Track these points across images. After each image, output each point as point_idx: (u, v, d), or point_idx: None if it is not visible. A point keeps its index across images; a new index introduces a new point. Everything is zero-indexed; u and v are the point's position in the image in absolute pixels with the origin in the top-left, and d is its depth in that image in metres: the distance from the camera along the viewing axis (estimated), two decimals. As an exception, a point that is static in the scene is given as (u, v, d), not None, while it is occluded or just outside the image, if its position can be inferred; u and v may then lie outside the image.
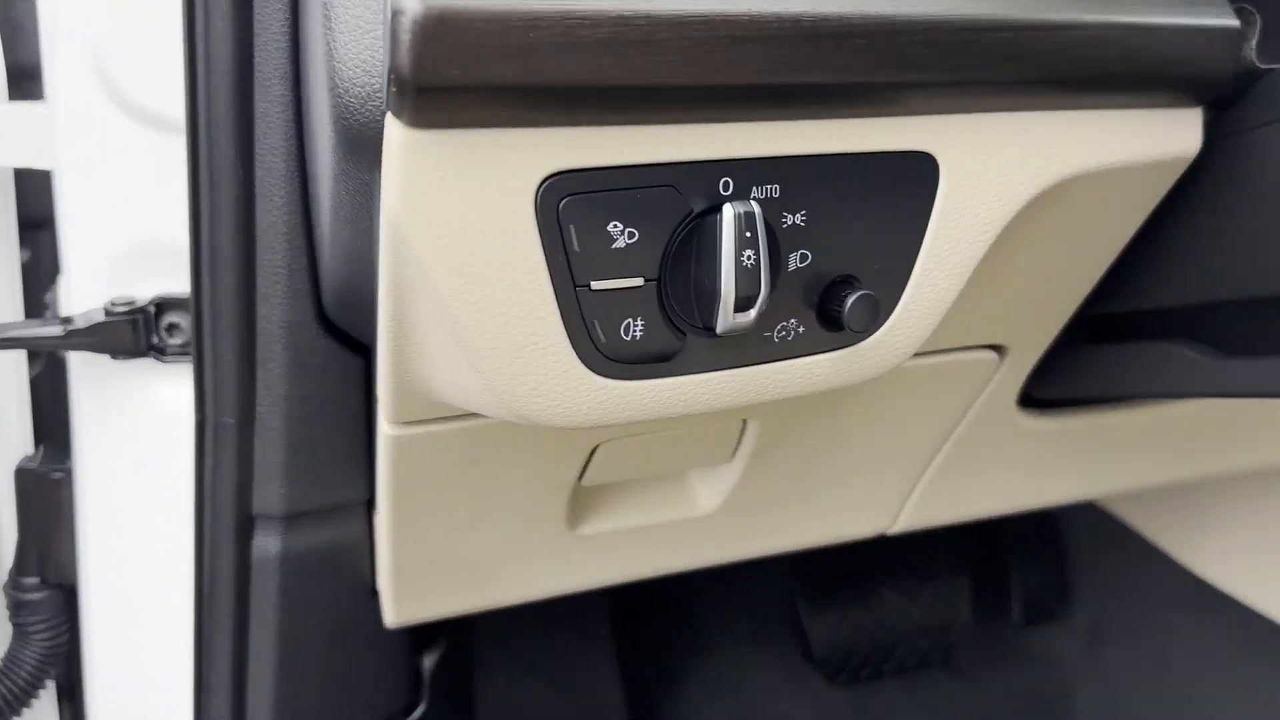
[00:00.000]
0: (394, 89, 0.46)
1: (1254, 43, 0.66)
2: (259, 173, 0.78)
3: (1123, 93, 0.63)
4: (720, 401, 0.60)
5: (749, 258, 0.53)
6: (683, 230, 0.54)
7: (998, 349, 0.84)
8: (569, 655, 1.43)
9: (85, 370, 0.95)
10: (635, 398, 0.57)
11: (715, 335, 0.56)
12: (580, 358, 0.55)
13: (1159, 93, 0.64)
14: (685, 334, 0.56)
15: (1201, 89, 0.65)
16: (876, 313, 0.58)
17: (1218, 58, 0.64)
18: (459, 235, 0.50)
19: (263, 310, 0.80)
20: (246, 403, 0.83)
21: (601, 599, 1.49)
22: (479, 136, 0.49)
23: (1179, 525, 1.51)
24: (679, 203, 0.54)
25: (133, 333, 0.90)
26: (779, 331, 0.59)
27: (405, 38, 0.45)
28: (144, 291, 0.91)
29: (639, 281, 0.54)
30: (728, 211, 0.53)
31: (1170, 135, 0.67)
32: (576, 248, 0.52)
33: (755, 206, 0.54)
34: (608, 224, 0.52)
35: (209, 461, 0.86)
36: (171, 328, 0.92)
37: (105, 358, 0.92)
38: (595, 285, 0.53)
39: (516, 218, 0.50)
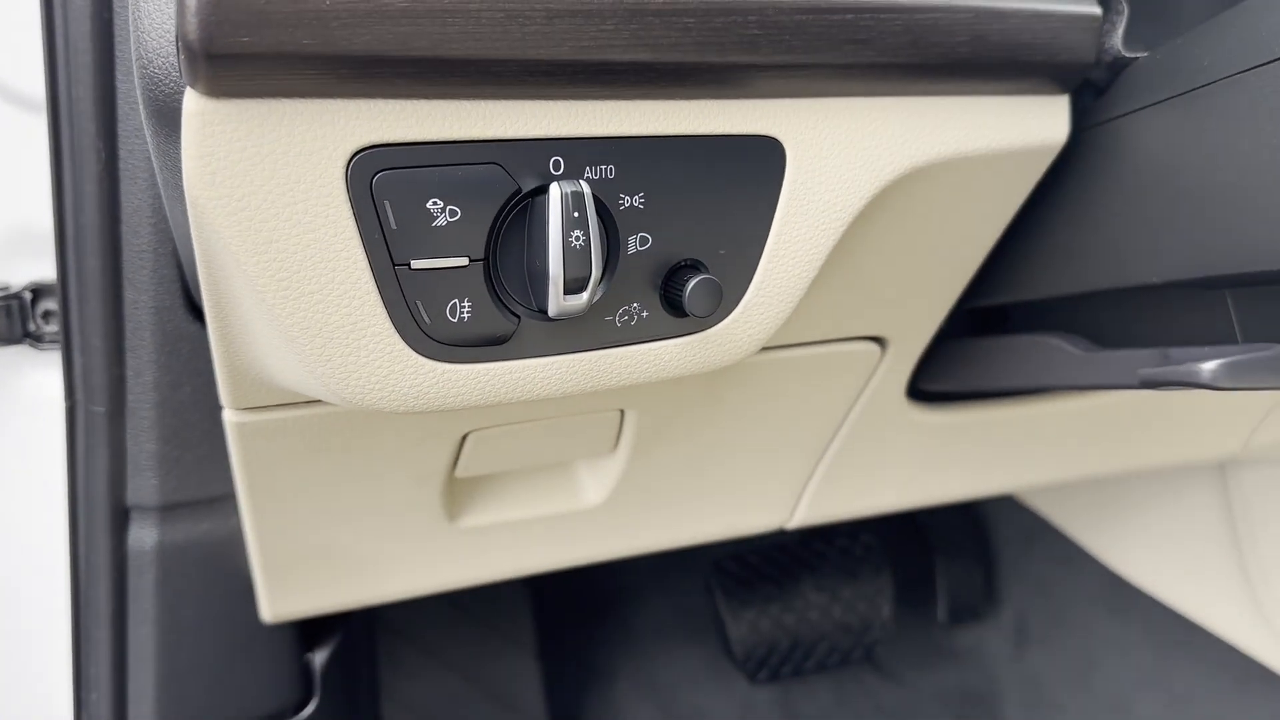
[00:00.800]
0: (184, 56, 0.44)
1: (1121, 31, 0.65)
2: (122, 153, 0.76)
3: (979, 79, 0.62)
4: (563, 386, 0.58)
5: (578, 238, 0.52)
6: (512, 210, 0.53)
7: (879, 341, 0.83)
8: (487, 651, 1.41)
9: (-41, 358, 0.93)
10: (469, 381, 0.55)
11: (550, 318, 0.55)
12: (405, 340, 0.53)
13: (1018, 79, 0.63)
14: (519, 316, 0.55)
15: (1063, 76, 0.64)
16: (719, 298, 0.57)
17: (1077, 45, 0.62)
18: (263, 210, 0.48)
19: (130, 295, 0.78)
20: (116, 390, 0.81)
21: (522, 594, 1.47)
22: (282, 107, 0.47)
23: (1101, 525, 1.52)
24: (505, 181, 0.52)
25: (7, 319, 0.89)
26: (621, 315, 0.58)
27: (191, 3, 0.43)
28: (19, 277, 0.89)
29: (463, 261, 0.52)
30: (554, 191, 0.51)
31: (1035, 123, 0.66)
32: (394, 225, 0.50)
33: (585, 186, 0.52)
34: (427, 201, 0.51)
35: (80, 451, 0.84)
36: (48, 314, 0.90)
37: (-21, 345, 0.90)
38: (416, 264, 0.51)
39: (325, 192, 0.49)
